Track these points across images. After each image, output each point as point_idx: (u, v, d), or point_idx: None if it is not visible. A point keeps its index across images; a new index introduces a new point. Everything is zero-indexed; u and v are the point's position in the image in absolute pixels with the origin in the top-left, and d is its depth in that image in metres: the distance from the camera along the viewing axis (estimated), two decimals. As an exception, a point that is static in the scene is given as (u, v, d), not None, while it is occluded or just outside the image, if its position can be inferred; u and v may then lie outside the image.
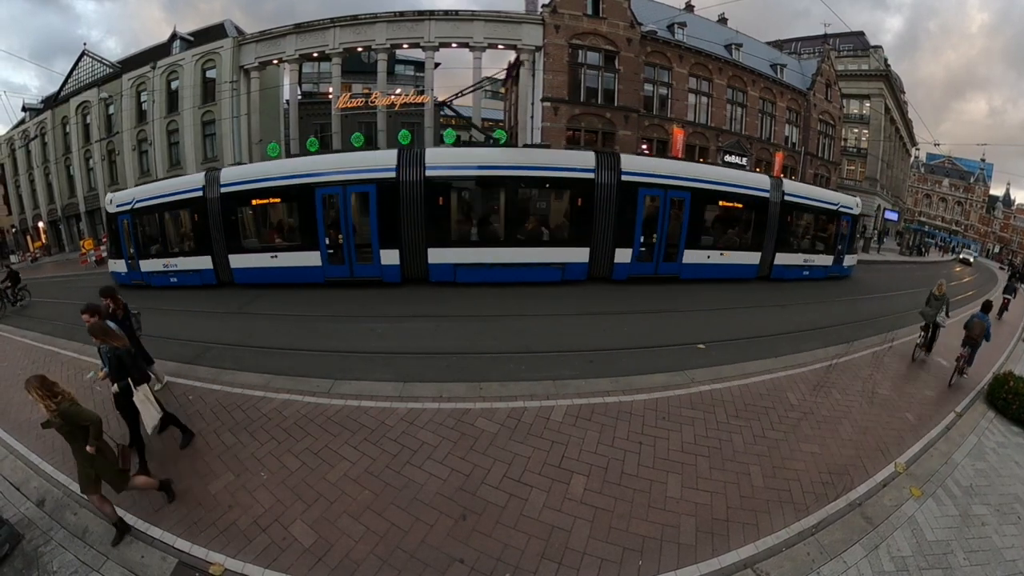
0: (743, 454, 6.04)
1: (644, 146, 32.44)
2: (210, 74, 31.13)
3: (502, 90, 43.31)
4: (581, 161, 14.25)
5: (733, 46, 35.30)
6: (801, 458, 6.10)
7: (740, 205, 16.61)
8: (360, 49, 29.42)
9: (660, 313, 12.46)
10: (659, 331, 10.76)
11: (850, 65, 45.81)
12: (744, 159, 36.12)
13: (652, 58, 31.51)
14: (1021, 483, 6.49)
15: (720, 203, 16.21)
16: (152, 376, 6.88)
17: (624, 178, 14.31)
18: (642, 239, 14.97)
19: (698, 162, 34.16)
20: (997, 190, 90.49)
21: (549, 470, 5.49)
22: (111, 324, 5.75)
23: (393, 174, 13.28)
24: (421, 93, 30.28)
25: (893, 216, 50.42)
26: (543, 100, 28.97)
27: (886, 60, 45.80)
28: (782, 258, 17.53)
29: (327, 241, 13.71)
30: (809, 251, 18.53)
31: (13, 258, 38.61)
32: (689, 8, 37.77)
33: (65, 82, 37.03)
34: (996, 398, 8.69)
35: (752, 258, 17.09)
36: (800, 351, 9.53)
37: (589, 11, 29.15)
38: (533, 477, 5.37)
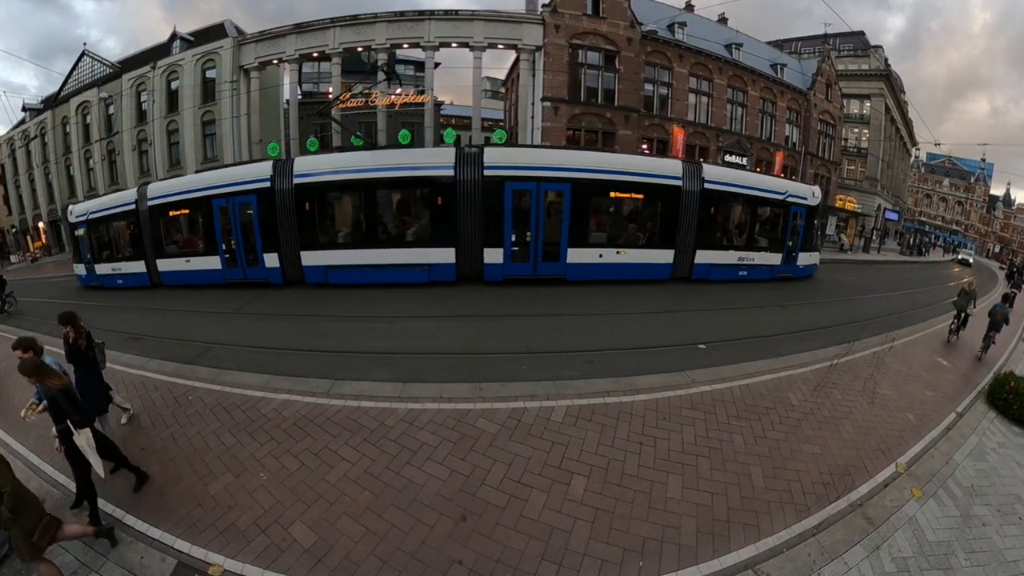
0: (744, 455, 6.02)
1: (644, 146, 32.46)
2: (210, 74, 31.13)
3: (502, 90, 43.31)
4: (440, 159, 13.85)
5: (733, 46, 35.29)
6: (802, 459, 6.09)
7: (641, 196, 14.77)
8: (360, 49, 29.41)
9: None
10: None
11: (850, 65, 45.78)
12: (744, 159, 36.11)
13: (652, 58, 31.49)
14: (1022, 483, 6.48)
15: (612, 195, 14.52)
16: (107, 413, 6.23)
17: (488, 173, 13.54)
18: (514, 238, 13.89)
19: (705, 162, 34.46)
20: (998, 190, 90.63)
21: (549, 471, 5.47)
22: (48, 361, 5.13)
23: (268, 184, 13.92)
24: (421, 93, 30.28)
25: (893, 216, 50.40)
26: (543, 100, 28.95)
27: (886, 60, 45.76)
28: (706, 256, 15.48)
29: (223, 247, 14.69)
30: (747, 248, 16.32)
31: (13, 258, 38.67)
32: (689, 8, 37.74)
33: (65, 82, 37.05)
34: (997, 398, 8.69)
35: (663, 256, 15.08)
36: (799, 352, 9.53)
37: (589, 11, 29.13)
38: (533, 478, 5.35)
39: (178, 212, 15.24)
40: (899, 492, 5.80)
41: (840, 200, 44.22)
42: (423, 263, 14.00)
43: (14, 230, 45.10)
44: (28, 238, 43.67)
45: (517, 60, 31.39)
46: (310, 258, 14.19)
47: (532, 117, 29.57)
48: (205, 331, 10.78)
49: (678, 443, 6.11)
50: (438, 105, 36.57)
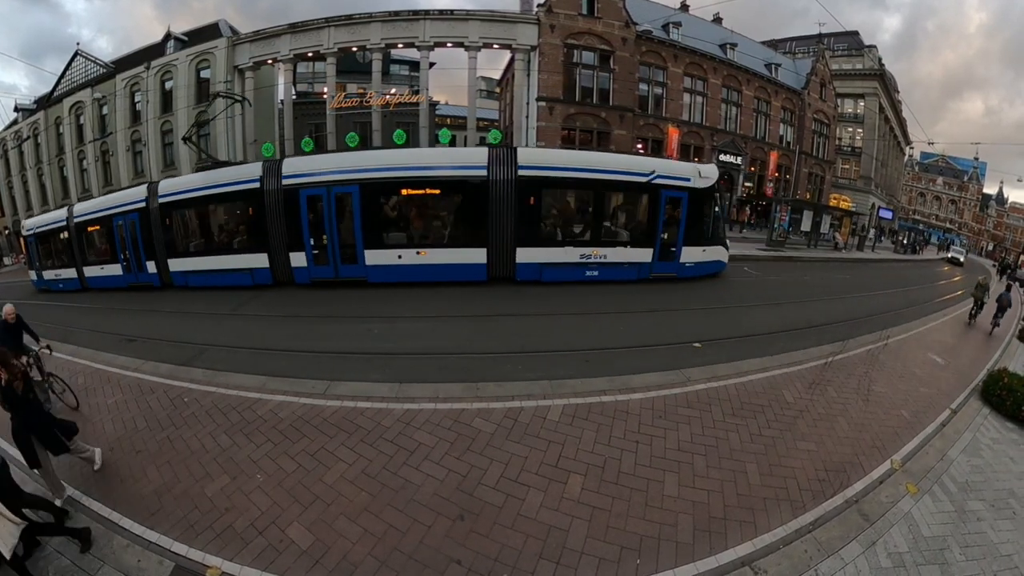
0: (740, 452, 6.05)
1: (639, 145, 32.54)
2: (204, 74, 31.07)
3: (497, 90, 43.32)
4: (247, 173, 14.19)
5: (728, 46, 35.43)
6: (798, 456, 6.12)
7: (438, 191, 13.69)
8: (355, 49, 29.37)
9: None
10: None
11: (845, 64, 46.07)
12: (739, 158, 36.27)
13: (647, 58, 31.59)
14: (1016, 478, 6.54)
15: (406, 192, 13.61)
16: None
17: (285, 183, 13.59)
18: (312, 242, 13.75)
19: (696, 160, 34.54)
20: (991, 188, 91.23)
21: (546, 470, 5.48)
22: None
23: (144, 204, 15.28)
24: (416, 93, 30.26)
25: (888, 214, 50.69)
26: (538, 100, 28.99)
27: (880, 59, 46.03)
28: (531, 254, 13.52)
29: (123, 256, 16.22)
30: (594, 244, 13.89)
31: (7, 260, 38.41)
32: (684, 8, 37.87)
33: (58, 82, 36.85)
34: (991, 394, 8.77)
35: (474, 256, 13.47)
36: (793, 350, 9.57)
37: (584, 11, 29.21)
38: (530, 477, 5.36)
39: (92, 228, 17.05)
40: (894, 488, 5.83)
41: (834, 199, 44.45)
42: (247, 268, 14.51)
43: (7, 231, 44.78)
44: (21, 240, 43.33)
45: (512, 60, 31.40)
46: (176, 264, 15.30)
47: (527, 117, 29.62)
48: (200, 332, 10.73)
49: (674, 441, 6.13)
50: (433, 105, 36.55)
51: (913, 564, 4.76)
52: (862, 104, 46.32)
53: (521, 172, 13.01)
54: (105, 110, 34.31)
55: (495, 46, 29.48)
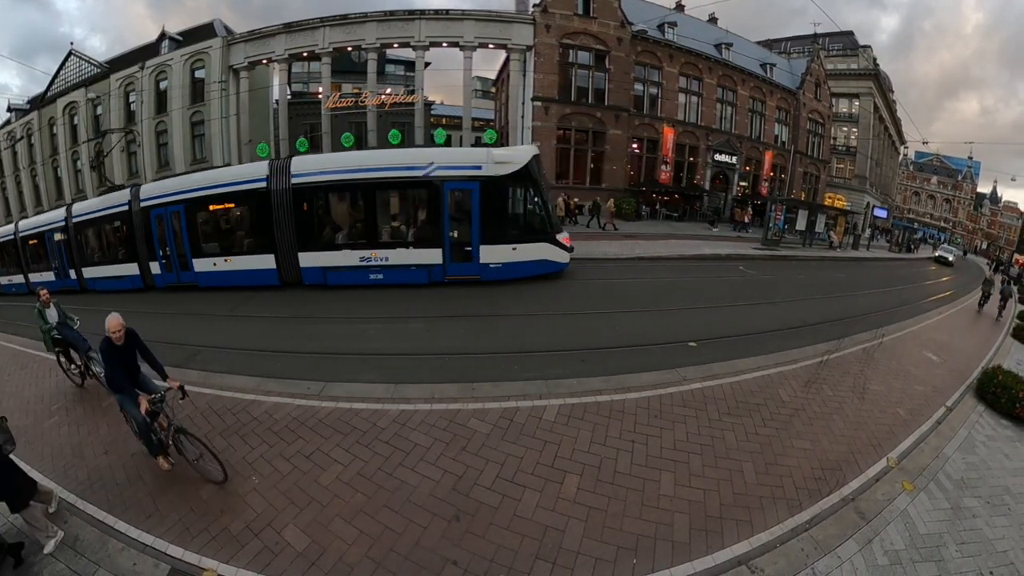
0: (736, 451, 6.06)
1: (635, 144, 32.60)
2: (199, 74, 30.95)
3: (492, 89, 43.30)
4: (113, 199, 15.69)
5: (723, 46, 35.50)
6: (793, 454, 6.13)
7: (232, 204, 14.23)
8: (350, 49, 29.30)
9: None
10: None
11: (839, 64, 46.22)
12: (734, 157, 36.36)
13: (642, 57, 31.63)
14: (1010, 475, 6.58)
15: (212, 207, 14.33)
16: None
17: (144, 204, 15.07)
18: (160, 252, 14.94)
19: (691, 160, 34.67)
20: (985, 187, 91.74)
21: (542, 470, 5.47)
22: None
23: (64, 223, 17.03)
24: (411, 93, 30.23)
25: (882, 213, 50.94)
26: (533, 99, 29.00)
27: (875, 59, 46.22)
28: (313, 259, 13.42)
29: (54, 263, 17.93)
30: (373, 246, 13.29)
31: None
32: (679, 8, 37.93)
33: (52, 82, 36.62)
34: (985, 392, 8.82)
35: (264, 262, 13.69)
36: (788, 348, 9.59)
37: (580, 10, 29.23)
38: (526, 477, 5.35)
39: (32, 242, 18.67)
40: (890, 486, 5.85)
41: (829, 198, 44.63)
42: (120, 275, 16.01)
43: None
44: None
45: (507, 60, 31.41)
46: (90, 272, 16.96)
47: (523, 117, 29.62)
48: (195, 334, 10.68)
49: (670, 440, 6.13)
50: (428, 105, 36.49)
51: (909, 561, 4.78)
52: (857, 104, 46.51)
53: (295, 180, 13.05)
54: (99, 110, 34.14)
55: (491, 46, 29.47)
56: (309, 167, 13.23)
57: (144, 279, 15.34)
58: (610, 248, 20.35)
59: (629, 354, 8.90)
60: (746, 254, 22.75)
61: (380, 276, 13.21)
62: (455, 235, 12.91)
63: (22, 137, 39.27)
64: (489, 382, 7.34)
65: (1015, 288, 20.22)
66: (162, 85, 31.90)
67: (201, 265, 14.31)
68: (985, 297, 18.97)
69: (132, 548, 4.58)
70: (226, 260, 14.11)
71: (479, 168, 12.62)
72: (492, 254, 12.97)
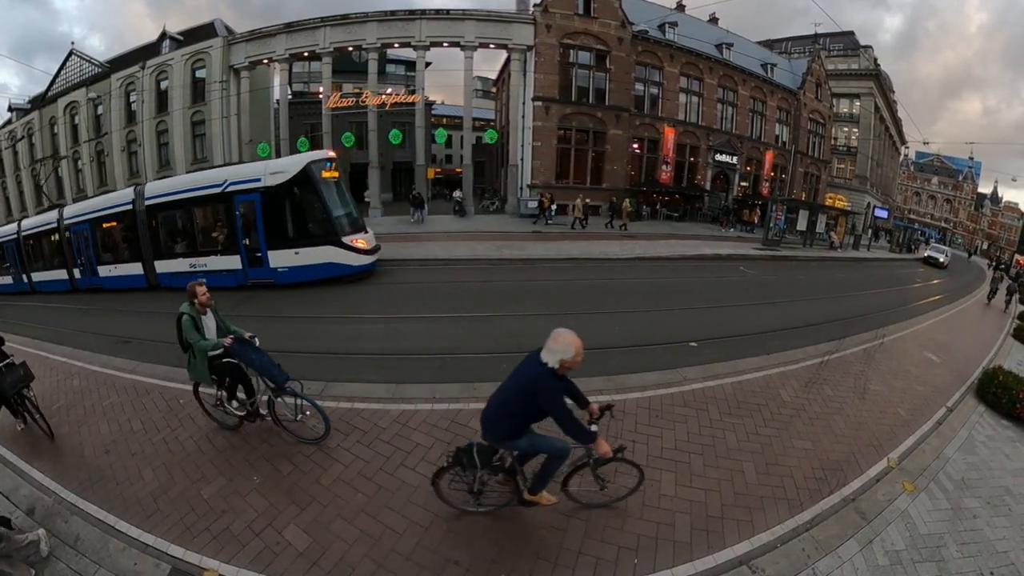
0: (737, 451, 6.05)
1: (635, 145, 32.59)
2: (200, 74, 30.94)
3: (493, 89, 43.30)
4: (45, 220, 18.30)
5: (724, 46, 35.49)
6: (794, 454, 6.13)
7: (114, 223, 16.17)
8: (351, 49, 29.29)
9: None
10: None
11: (840, 64, 46.20)
12: (735, 157, 36.36)
13: (643, 57, 31.63)
14: (1011, 475, 6.57)
15: (106, 226, 16.34)
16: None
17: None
18: (78, 261, 17.40)
19: (691, 160, 34.67)
20: (986, 188, 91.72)
21: (544, 470, 5.46)
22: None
23: (15, 236, 19.48)
24: (412, 93, 30.23)
25: (883, 214, 50.88)
26: (534, 100, 29.00)
27: (876, 60, 46.19)
28: (165, 266, 15.27)
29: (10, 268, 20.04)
30: (199, 254, 14.70)
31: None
32: (680, 8, 37.94)
33: (53, 82, 36.64)
34: (986, 392, 8.81)
35: (133, 268, 15.86)
36: (789, 349, 9.59)
37: (580, 10, 29.23)
38: (528, 477, 5.35)
39: None
40: (891, 486, 5.85)
41: (830, 198, 44.63)
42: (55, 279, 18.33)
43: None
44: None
45: (508, 60, 31.40)
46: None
47: (523, 117, 29.62)
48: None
49: (671, 440, 6.13)
50: (429, 105, 36.51)
51: (910, 562, 4.78)
52: (858, 104, 46.49)
53: (147, 202, 15.00)
54: (100, 110, 34.16)
55: (491, 46, 29.45)
56: (157, 190, 15.37)
57: (71, 282, 17.84)
58: (610, 248, 20.37)
59: (630, 354, 8.91)
60: (747, 254, 22.75)
61: (204, 280, 13.68)
62: (247, 242, 13.93)
63: (23, 137, 39.30)
64: (490, 382, 7.33)
65: (1016, 285, 22.99)
66: (163, 85, 31.90)
67: (102, 271, 16.60)
68: (993, 292, 21.56)
69: (133, 548, 4.58)
70: (115, 267, 16.35)
71: (259, 180, 13.46)
72: (279, 259, 13.75)
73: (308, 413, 5.72)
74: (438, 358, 8.72)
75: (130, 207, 15.26)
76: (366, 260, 14.30)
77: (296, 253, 13.59)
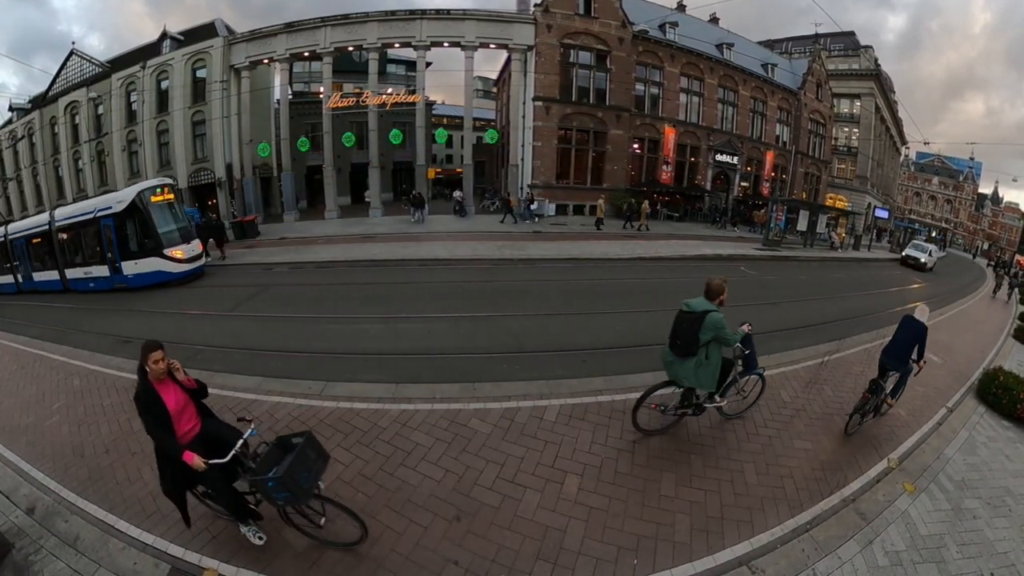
0: (736, 452, 6.05)
1: (636, 145, 32.57)
2: (200, 74, 30.89)
3: (494, 89, 43.29)
4: None
5: (724, 46, 35.47)
6: (794, 455, 6.13)
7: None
8: (351, 49, 29.27)
9: None
10: None
11: (841, 65, 46.15)
12: (735, 157, 36.35)
13: (644, 57, 31.61)
14: (1011, 476, 6.56)
15: (37, 242, 18.48)
16: None
17: None
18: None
19: (692, 160, 34.67)
20: (987, 188, 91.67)
21: (543, 470, 5.47)
22: None
23: None
24: (413, 92, 30.22)
25: (883, 214, 50.84)
26: (534, 99, 28.99)
27: (876, 60, 46.16)
28: (73, 273, 17.69)
29: None
30: (87, 264, 17.51)
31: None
32: (681, 8, 37.92)
33: (53, 82, 36.63)
34: (987, 393, 8.80)
35: (7, 279, 19.36)
36: (789, 349, 9.58)
37: (581, 10, 29.21)
38: (527, 477, 5.35)
39: None
40: (891, 487, 5.84)
41: (830, 198, 44.59)
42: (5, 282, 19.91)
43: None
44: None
45: (509, 60, 31.39)
46: None
47: (524, 117, 29.61)
48: (196, 333, 10.70)
49: (671, 441, 6.14)
50: (429, 105, 36.50)
51: (910, 562, 4.77)
52: (858, 104, 46.44)
53: (56, 224, 17.69)
54: (101, 110, 34.11)
55: (491, 46, 29.43)
56: (62, 215, 17.98)
57: (16, 285, 19.54)
58: (610, 248, 20.37)
59: (631, 354, 8.91)
60: (747, 254, 22.75)
61: (92, 284, 17.27)
62: (109, 255, 16.63)
63: (23, 136, 39.30)
64: (490, 382, 7.35)
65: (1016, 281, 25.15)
66: (163, 85, 31.83)
67: (36, 277, 18.80)
68: (998, 286, 23.84)
69: (132, 547, 4.58)
70: (43, 274, 18.58)
71: (111, 208, 16.46)
72: (129, 267, 16.41)
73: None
74: (438, 358, 8.73)
75: (47, 227, 18.00)
76: (187, 267, 16.78)
77: (136, 263, 16.34)
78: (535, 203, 27.74)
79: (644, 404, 6.08)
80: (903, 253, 30.36)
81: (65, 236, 17.70)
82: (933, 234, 67.12)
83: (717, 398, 6.19)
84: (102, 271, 16.88)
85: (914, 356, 6.80)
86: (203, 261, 17.71)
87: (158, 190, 16.95)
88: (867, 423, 7.06)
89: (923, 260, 28.50)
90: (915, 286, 22.70)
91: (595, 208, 27.32)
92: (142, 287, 16.11)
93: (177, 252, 16.48)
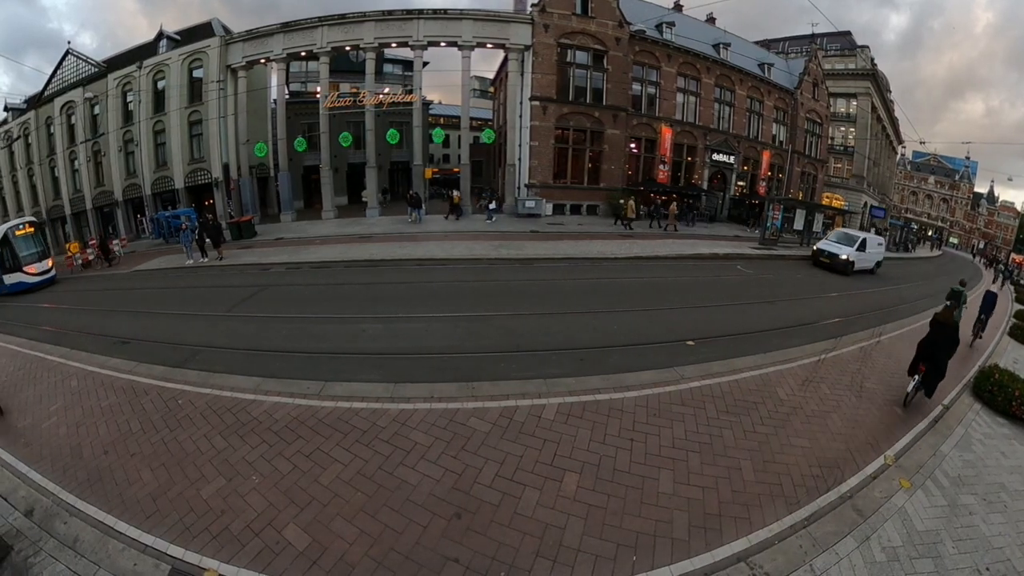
0: (734, 449, 6.08)
1: (633, 144, 32.59)
2: (197, 74, 30.78)
3: (491, 89, 43.27)
4: None
5: (721, 45, 35.51)
6: (792, 452, 6.16)
7: None
8: (348, 48, 29.23)
9: None
10: None
11: (837, 64, 46.30)
12: (732, 157, 36.41)
13: (640, 57, 31.62)
14: (1007, 472, 6.61)
15: None
16: None
17: None
18: None
19: (688, 160, 34.71)
20: (982, 187, 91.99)
21: (542, 468, 5.49)
22: None
23: None
24: (410, 92, 30.19)
25: (880, 213, 50.95)
26: (531, 99, 28.98)
27: (872, 59, 46.31)
28: (11, 277, 19.79)
29: None
30: None
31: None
32: (678, 8, 37.95)
33: (49, 81, 36.46)
34: (982, 390, 8.86)
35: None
36: (786, 347, 9.62)
37: (578, 10, 29.20)
38: (526, 476, 5.37)
39: None
40: (888, 483, 5.88)
41: (827, 198, 44.70)
42: None
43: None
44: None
45: (506, 59, 31.37)
46: None
47: (520, 116, 29.57)
48: (195, 334, 10.68)
49: (668, 439, 6.16)
50: (426, 104, 36.43)
51: (907, 558, 4.81)
52: (854, 104, 46.59)
53: None
54: (97, 110, 33.95)
55: (489, 45, 29.41)
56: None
57: None
58: (612, 248, 20.39)
59: (627, 353, 8.93)
60: (744, 253, 22.77)
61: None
62: None
63: (19, 137, 39.09)
64: (489, 381, 7.36)
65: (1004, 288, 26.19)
66: (160, 84, 31.71)
67: (12, 279, 20.04)
68: (995, 279, 27.98)
69: (132, 548, 4.59)
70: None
71: None
72: (7, 279, 19.64)
73: None
74: (437, 357, 8.74)
75: None
76: (39, 278, 20.48)
77: (9, 276, 19.87)
78: (492, 203, 27.96)
79: None
80: (816, 247, 22.17)
81: None
82: (929, 233, 67.42)
83: None
84: None
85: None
86: (53, 274, 21.20)
87: (20, 226, 21.65)
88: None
89: (843, 257, 20.38)
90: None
91: (619, 207, 27.95)
92: (12, 293, 19.44)
93: (32, 269, 20.67)
